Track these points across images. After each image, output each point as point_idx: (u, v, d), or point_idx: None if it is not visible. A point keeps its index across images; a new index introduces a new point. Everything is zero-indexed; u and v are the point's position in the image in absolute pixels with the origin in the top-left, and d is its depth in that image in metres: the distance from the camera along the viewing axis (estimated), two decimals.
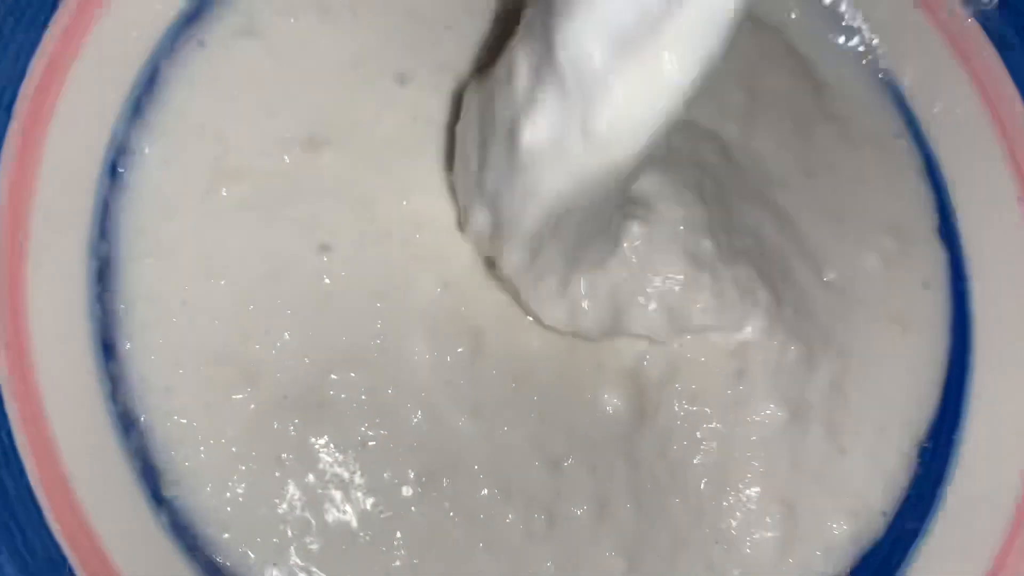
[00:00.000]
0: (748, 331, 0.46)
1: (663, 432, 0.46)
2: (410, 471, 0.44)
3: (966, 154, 0.51)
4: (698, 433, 0.46)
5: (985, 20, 0.50)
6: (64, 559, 0.39)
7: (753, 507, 0.46)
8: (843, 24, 0.53)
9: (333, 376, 0.44)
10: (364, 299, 0.45)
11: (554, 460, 0.45)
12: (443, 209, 0.47)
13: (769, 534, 0.46)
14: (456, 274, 0.46)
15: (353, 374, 0.44)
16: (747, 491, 0.46)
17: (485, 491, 0.44)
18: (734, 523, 0.46)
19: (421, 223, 0.46)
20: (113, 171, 0.44)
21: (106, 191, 0.44)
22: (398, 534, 0.43)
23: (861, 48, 0.53)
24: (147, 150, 0.45)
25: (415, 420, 0.44)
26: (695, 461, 0.46)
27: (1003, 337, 0.49)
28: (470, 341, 0.45)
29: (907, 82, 0.53)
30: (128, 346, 0.43)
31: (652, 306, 0.45)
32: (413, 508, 0.43)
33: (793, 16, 0.53)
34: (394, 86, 0.48)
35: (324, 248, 0.45)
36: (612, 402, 0.46)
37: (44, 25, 0.42)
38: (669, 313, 0.45)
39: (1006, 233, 0.50)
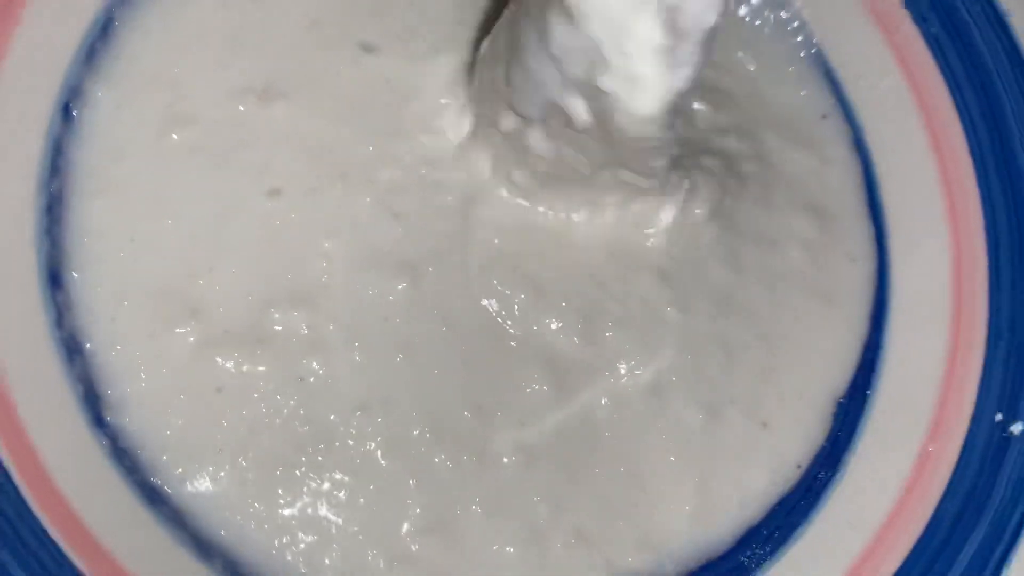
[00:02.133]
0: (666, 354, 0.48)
1: (584, 414, 0.47)
2: (344, 406, 0.45)
3: (891, 132, 0.53)
4: (618, 427, 0.47)
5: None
6: (12, 480, 0.40)
7: (672, 480, 0.48)
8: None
9: (275, 313, 0.45)
10: (312, 239, 0.46)
11: (483, 409, 0.46)
12: (405, 152, 0.48)
13: (687, 497, 0.48)
14: (406, 214, 0.47)
15: (295, 312, 0.46)
16: (666, 470, 0.48)
17: (416, 431, 0.45)
18: (653, 490, 0.47)
19: (378, 167, 0.48)
20: (66, 112, 0.45)
21: (58, 131, 0.45)
22: (330, 465, 0.44)
23: (796, 24, 0.55)
24: (100, 94, 0.46)
25: (352, 357, 0.45)
26: (614, 445, 0.47)
27: (917, 306, 0.50)
28: (410, 279, 0.46)
29: (837, 60, 0.55)
30: (76, 277, 0.45)
31: None
32: (349, 441, 0.45)
33: None
34: (358, 51, 0.49)
35: (274, 192, 0.47)
36: (534, 380, 0.47)
37: None
38: None
39: (926, 210, 0.52)
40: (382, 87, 0.49)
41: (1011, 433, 0.46)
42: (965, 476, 0.46)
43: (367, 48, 0.49)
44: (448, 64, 0.50)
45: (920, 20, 0.52)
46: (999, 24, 0.50)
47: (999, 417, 0.46)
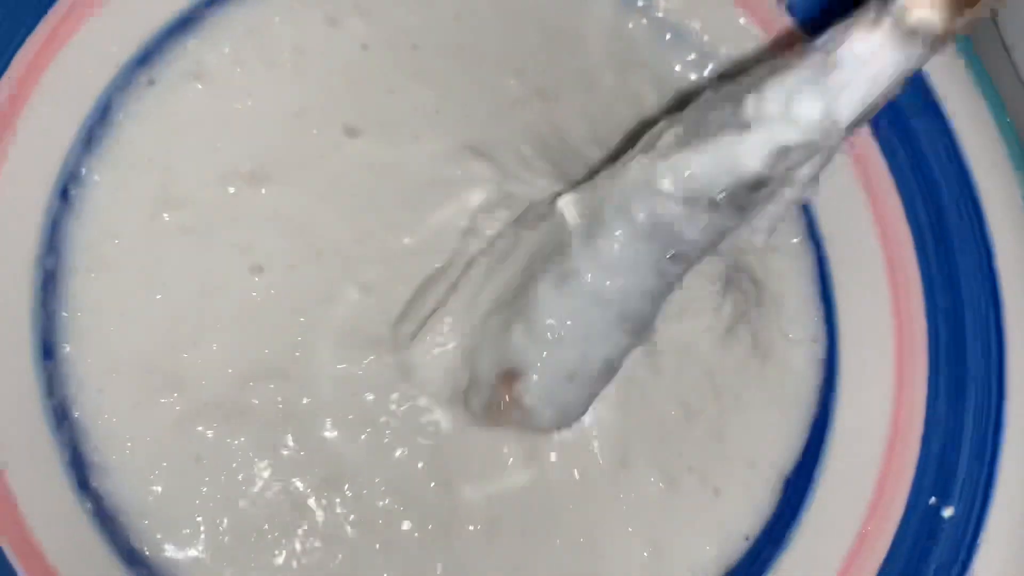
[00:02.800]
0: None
1: (551, 488, 0.49)
2: (315, 477, 0.47)
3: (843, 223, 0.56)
4: (581, 499, 0.50)
5: None
6: None
7: (627, 550, 0.50)
8: None
9: (252, 385, 0.48)
10: (288, 315, 0.49)
11: (449, 484, 0.48)
12: (377, 227, 0.51)
13: (640, 567, 0.50)
14: (375, 287, 0.50)
15: (272, 385, 0.48)
16: (623, 541, 0.50)
17: (382, 502, 0.48)
18: (609, 560, 0.50)
19: (352, 244, 0.50)
20: (64, 193, 0.48)
21: (56, 211, 0.47)
22: (301, 533, 0.47)
23: None
24: (96, 177, 0.49)
25: (323, 430, 0.48)
26: (575, 515, 0.49)
27: (862, 390, 0.53)
28: (377, 352, 0.49)
29: None
30: (68, 349, 0.47)
31: None
32: (316, 510, 0.47)
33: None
34: (342, 136, 0.52)
35: (256, 269, 0.49)
36: (504, 446, 0.49)
37: (10, 58, 0.46)
38: None
39: (874, 298, 0.55)
40: (363, 170, 0.52)
41: (943, 516, 0.49)
42: (899, 555, 0.48)
43: (350, 133, 0.52)
44: (425, 150, 0.52)
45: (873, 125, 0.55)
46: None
47: (933, 500, 0.49)
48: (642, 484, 0.50)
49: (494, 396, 0.46)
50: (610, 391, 0.49)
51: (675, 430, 0.51)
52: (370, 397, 0.49)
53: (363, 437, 0.48)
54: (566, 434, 0.50)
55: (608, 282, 0.43)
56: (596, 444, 0.50)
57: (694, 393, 0.52)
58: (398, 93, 0.53)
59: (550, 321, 0.44)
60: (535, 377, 0.45)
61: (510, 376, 0.46)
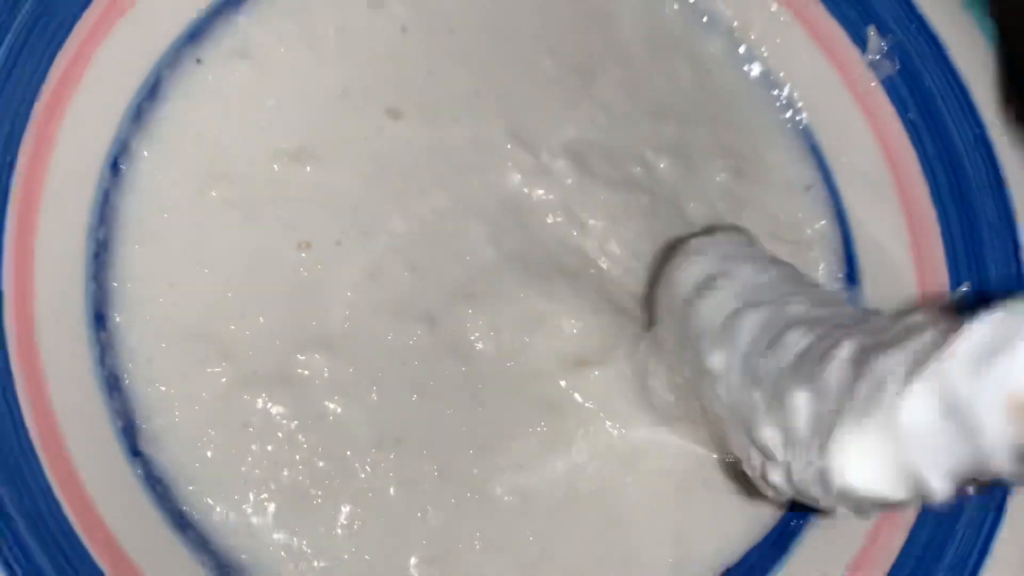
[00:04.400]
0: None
1: (574, 467, 0.50)
2: (360, 444, 0.48)
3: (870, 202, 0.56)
4: (602, 483, 0.50)
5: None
6: (56, 499, 0.43)
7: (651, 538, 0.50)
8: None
9: (300, 356, 0.48)
10: (335, 289, 0.49)
11: (485, 450, 0.49)
12: (422, 207, 0.51)
13: (667, 550, 0.50)
14: (423, 266, 0.50)
15: (318, 355, 0.48)
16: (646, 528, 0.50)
17: (425, 468, 0.48)
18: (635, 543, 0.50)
19: (398, 223, 0.51)
20: (115, 167, 0.48)
21: (107, 184, 0.47)
22: (345, 498, 0.47)
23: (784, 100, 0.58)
24: (146, 153, 0.49)
25: (369, 398, 0.48)
26: (597, 499, 0.50)
27: None
28: (426, 326, 0.49)
29: (822, 135, 0.58)
30: (118, 319, 0.47)
31: None
32: (362, 476, 0.47)
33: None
34: (385, 117, 0.52)
35: (303, 245, 0.49)
36: (535, 423, 0.50)
37: (66, 34, 0.46)
38: None
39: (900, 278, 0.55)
40: (406, 151, 0.52)
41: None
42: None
43: (393, 114, 0.52)
44: (465, 133, 0.53)
45: (900, 106, 0.55)
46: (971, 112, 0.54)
47: None
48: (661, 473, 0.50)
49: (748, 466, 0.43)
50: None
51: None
52: (415, 364, 0.49)
53: (412, 400, 0.48)
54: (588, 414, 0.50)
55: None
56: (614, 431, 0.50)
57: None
58: (437, 75, 0.53)
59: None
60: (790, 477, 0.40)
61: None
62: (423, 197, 0.51)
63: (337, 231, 0.50)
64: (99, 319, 0.47)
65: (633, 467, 0.50)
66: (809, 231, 0.56)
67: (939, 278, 0.53)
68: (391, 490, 0.47)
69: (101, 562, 0.42)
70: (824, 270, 0.56)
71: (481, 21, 0.55)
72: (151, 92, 0.49)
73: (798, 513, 0.51)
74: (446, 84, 0.53)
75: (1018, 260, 0.52)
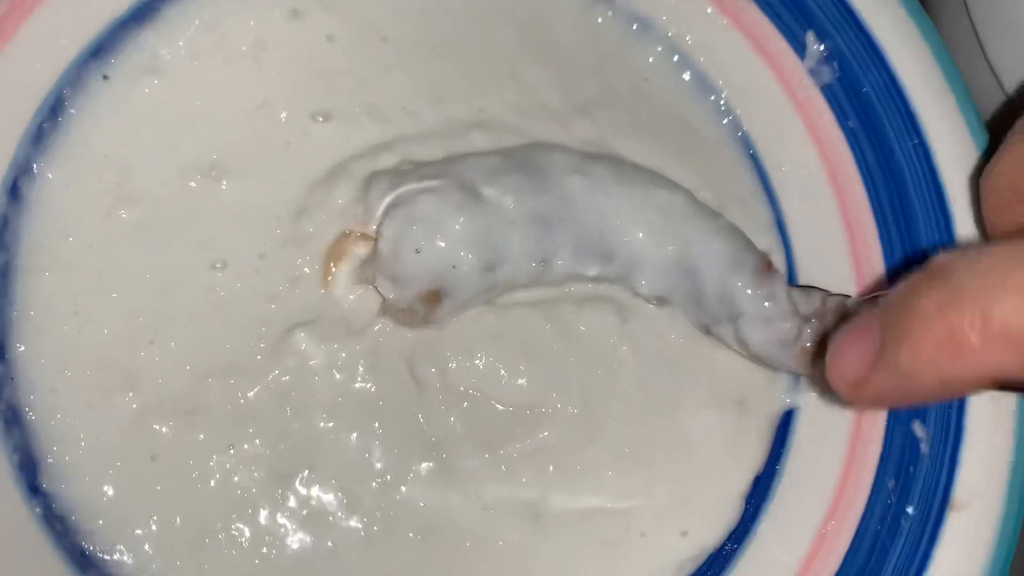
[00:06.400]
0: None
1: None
2: (270, 473, 0.44)
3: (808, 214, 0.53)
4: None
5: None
6: None
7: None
8: None
9: (211, 381, 0.45)
10: (251, 308, 0.46)
11: (397, 486, 0.45)
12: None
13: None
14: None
15: (232, 380, 0.45)
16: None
17: (334, 498, 0.45)
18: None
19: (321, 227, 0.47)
20: (14, 189, 0.45)
21: (5, 207, 0.44)
22: (254, 534, 0.44)
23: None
24: (49, 175, 0.45)
25: (280, 423, 0.45)
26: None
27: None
28: (342, 340, 0.46)
29: (761, 143, 0.54)
30: (21, 348, 0.44)
31: None
32: (274, 509, 0.44)
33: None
34: (310, 121, 0.48)
35: (218, 264, 0.46)
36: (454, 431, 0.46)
37: None
38: None
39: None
40: (335, 152, 0.48)
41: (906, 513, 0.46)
42: (859, 553, 0.46)
43: (321, 117, 0.48)
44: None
45: (839, 114, 0.52)
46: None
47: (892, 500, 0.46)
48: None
49: (413, 307, 0.45)
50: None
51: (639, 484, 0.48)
52: (329, 381, 0.46)
53: (321, 425, 0.45)
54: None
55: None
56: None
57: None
58: (371, 83, 0.50)
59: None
60: (456, 301, 0.45)
61: (432, 296, 0.45)
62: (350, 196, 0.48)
63: (253, 247, 0.46)
64: None
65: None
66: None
67: (878, 287, 0.50)
68: (298, 524, 0.44)
69: None
70: None
71: (414, 29, 0.51)
72: (52, 111, 0.46)
73: (733, 538, 0.48)
74: (379, 90, 0.50)
75: None
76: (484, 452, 0.46)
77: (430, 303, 0.45)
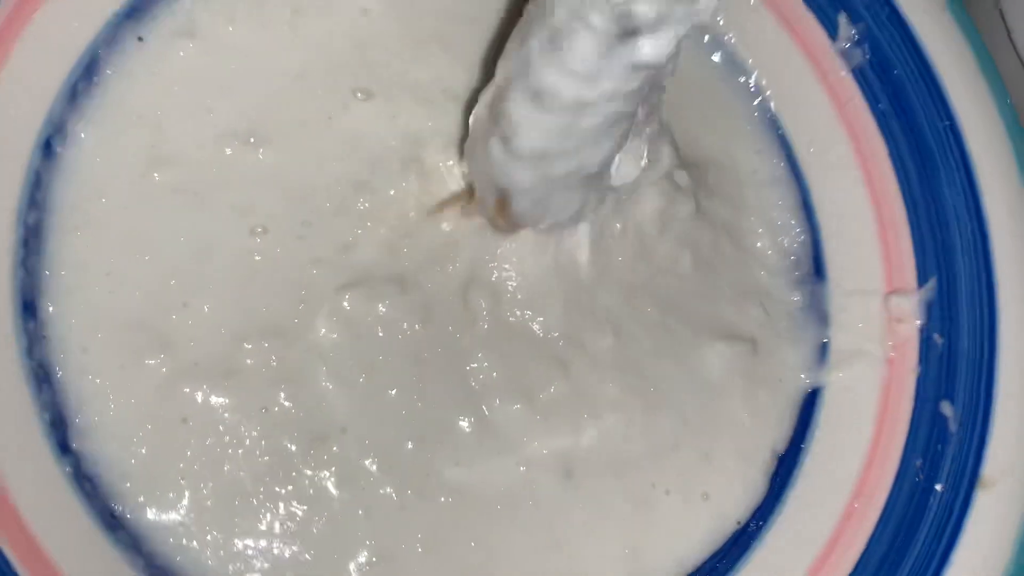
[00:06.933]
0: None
1: (506, 475, 0.46)
2: (303, 436, 0.44)
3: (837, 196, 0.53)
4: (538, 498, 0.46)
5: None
6: None
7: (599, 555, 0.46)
8: None
9: (247, 345, 0.44)
10: (296, 271, 0.45)
11: (424, 442, 0.45)
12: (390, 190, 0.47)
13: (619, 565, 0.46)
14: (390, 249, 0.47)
15: (266, 344, 0.44)
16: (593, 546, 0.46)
17: (367, 461, 0.44)
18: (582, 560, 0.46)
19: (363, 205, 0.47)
20: (48, 148, 0.44)
21: (39, 165, 0.44)
22: (286, 495, 0.43)
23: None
24: (83, 134, 0.45)
25: (317, 385, 0.44)
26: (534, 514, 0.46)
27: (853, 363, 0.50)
28: (390, 301, 0.46)
29: (790, 125, 0.54)
30: (51, 308, 0.43)
31: None
32: (306, 471, 0.44)
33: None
34: (351, 97, 0.48)
35: (260, 229, 0.46)
36: (467, 422, 0.46)
37: None
38: None
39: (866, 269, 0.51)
40: (375, 131, 0.48)
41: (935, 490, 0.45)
42: (887, 531, 0.45)
43: (362, 94, 0.48)
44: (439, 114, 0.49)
45: (870, 97, 0.51)
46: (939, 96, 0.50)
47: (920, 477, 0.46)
48: (607, 497, 0.47)
49: (494, 216, 0.45)
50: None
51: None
52: (365, 345, 0.45)
53: (360, 382, 0.45)
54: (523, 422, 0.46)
55: (588, 91, 0.38)
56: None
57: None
58: (406, 59, 0.49)
59: (533, 143, 0.40)
60: (525, 202, 0.43)
61: (502, 202, 0.43)
62: (387, 178, 0.47)
63: (302, 213, 0.46)
64: (29, 308, 0.43)
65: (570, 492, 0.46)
66: (777, 224, 0.52)
67: (906, 270, 0.50)
68: (332, 486, 0.44)
69: (19, 566, 0.38)
70: (791, 262, 0.52)
71: (449, 6, 0.50)
72: (87, 71, 0.45)
73: (758, 516, 0.47)
74: (417, 66, 0.49)
75: (986, 252, 0.48)
76: (521, 401, 0.46)
77: (501, 209, 0.44)
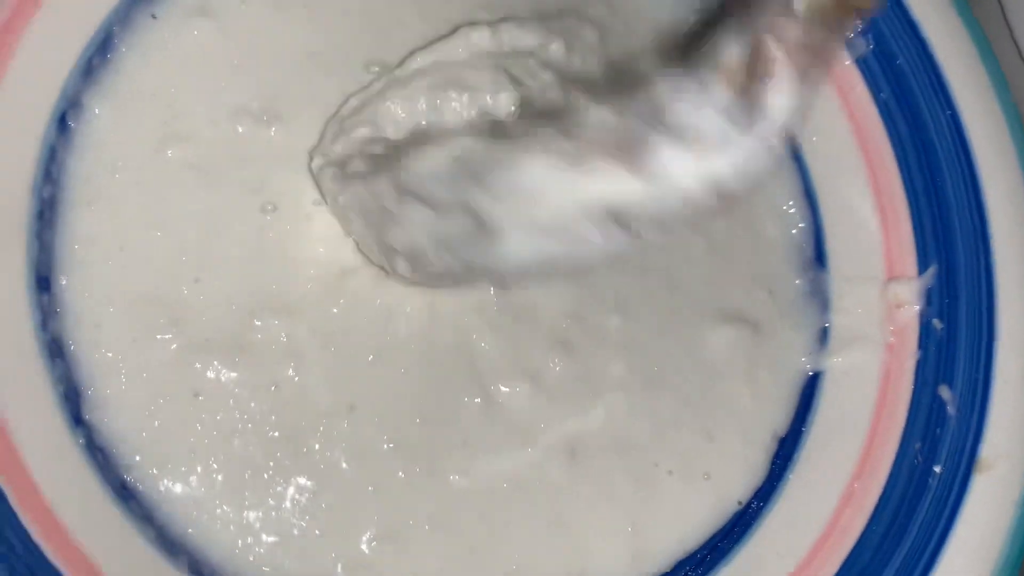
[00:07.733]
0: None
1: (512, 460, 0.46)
2: (314, 412, 0.44)
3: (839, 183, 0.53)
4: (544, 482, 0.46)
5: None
6: None
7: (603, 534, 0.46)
8: None
9: (257, 322, 0.44)
10: (306, 249, 0.45)
11: (432, 421, 0.45)
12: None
13: (622, 544, 0.46)
14: None
15: (276, 320, 0.44)
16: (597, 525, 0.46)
17: (376, 438, 0.44)
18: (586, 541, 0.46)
19: None
20: (63, 123, 0.44)
21: (53, 140, 0.43)
22: (296, 470, 0.43)
23: None
24: (97, 109, 0.44)
25: (326, 362, 0.44)
26: (540, 497, 0.46)
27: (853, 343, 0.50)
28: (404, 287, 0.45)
29: None
30: (64, 282, 0.43)
31: None
32: (316, 446, 0.44)
33: None
34: (365, 74, 0.47)
35: (270, 207, 0.45)
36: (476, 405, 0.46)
37: None
38: None
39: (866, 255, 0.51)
40: None
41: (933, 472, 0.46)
42: (886, 511, 0.46)
43: (377, 69, 0.47)
44: None
45: (873, 86, 0.51)
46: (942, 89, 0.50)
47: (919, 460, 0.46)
48: (609, 477, 0.47)
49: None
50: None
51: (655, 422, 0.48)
52: (374, 326, 0.45)
53: (368, 361, 0.45)
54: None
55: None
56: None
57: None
58: (421, 36, 0.48)
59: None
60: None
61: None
62: None
63: (313, 192, 0.46)
64: (43, 282, 0.43)
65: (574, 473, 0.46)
66: (782, 209, 0.52)
67: (907, 258, 0.50)
68: (342, 462, 0.44)
69: (35, 534, 0.38)
70: (792, 250, 0.52)
71: None
72: (102, 47, 0.45)
73: (759, 496, 0.47)
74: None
75: (986, 241, 0.49)
76: (527, 382, 0.46)
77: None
